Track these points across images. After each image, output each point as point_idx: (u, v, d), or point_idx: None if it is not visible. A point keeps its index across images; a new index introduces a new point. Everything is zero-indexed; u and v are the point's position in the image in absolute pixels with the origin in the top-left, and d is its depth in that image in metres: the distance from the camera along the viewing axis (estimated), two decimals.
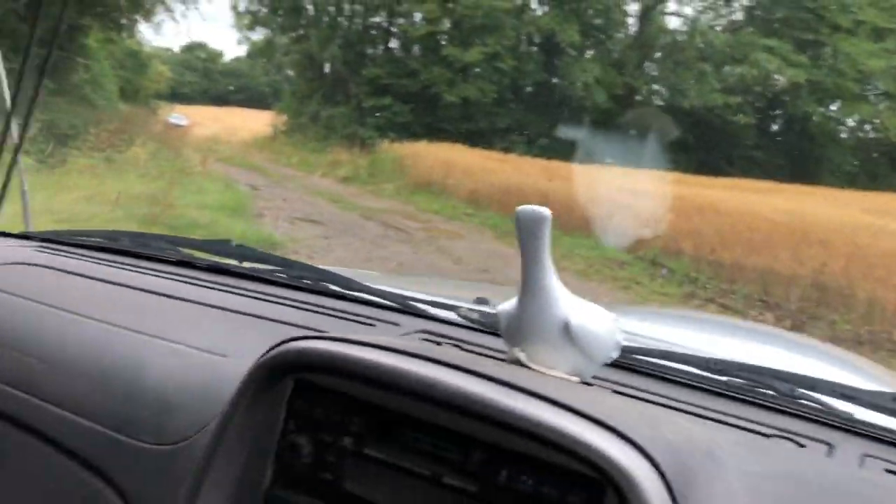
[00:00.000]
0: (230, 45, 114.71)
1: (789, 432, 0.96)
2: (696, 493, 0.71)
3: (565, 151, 30.09)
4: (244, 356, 0.92)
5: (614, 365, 1.03)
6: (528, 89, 29.84)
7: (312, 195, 15.55)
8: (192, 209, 9.72)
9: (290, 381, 0.84)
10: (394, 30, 29.07)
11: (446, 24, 28.12)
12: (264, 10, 30.34)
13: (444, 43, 28.44)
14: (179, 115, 64.15)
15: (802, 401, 1.03)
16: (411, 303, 1.32)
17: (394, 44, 29.90)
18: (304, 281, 1.43)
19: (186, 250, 1.56)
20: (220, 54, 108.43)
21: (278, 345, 0.83)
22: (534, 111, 29.74)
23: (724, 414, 0.99)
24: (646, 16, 31.03)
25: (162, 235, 1.69)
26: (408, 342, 0.94)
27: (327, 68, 29.62)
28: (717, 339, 1.97)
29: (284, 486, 0.84)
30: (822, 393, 1.04)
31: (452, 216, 14.36)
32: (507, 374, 0.76)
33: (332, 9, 29.55)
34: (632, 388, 1.05)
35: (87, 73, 24.86)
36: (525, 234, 0.83)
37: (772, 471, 0.83)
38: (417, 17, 29.03)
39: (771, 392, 1.05)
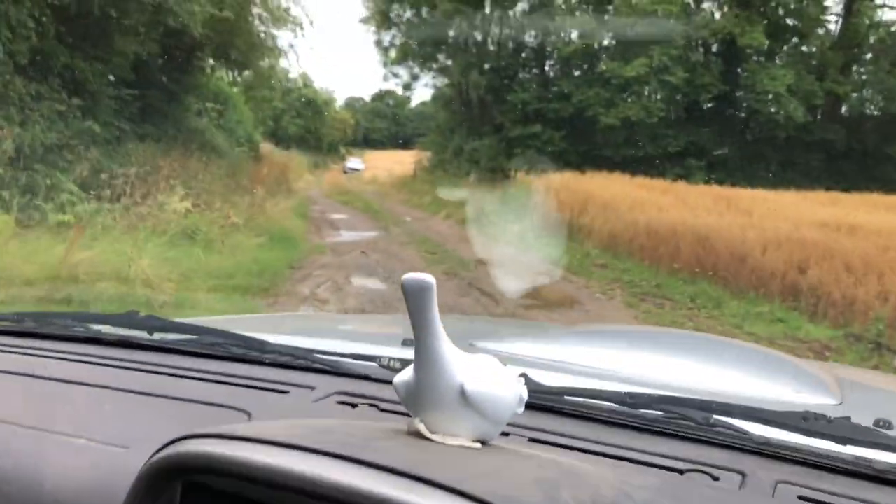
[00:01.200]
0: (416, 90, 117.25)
1: (705, 464, 0.97)
2: None
3: (753, 176, 25.11)
4: (144, 447, 0.85)
5: (533, 408, 1.03)
6: (705, 105, 25.17)
7: (407, 244, 12.41)
8: (165, 281, 6.78)
9: (178, 484, 0.80)
10: (548, 49, 25.57)
11: (603, 36, 24.30)
12: (410, 41, 27.97)
13: (601, 58, 24.65)
14: (356, 160, 64.30)
15: (718, 428, 1.04)
16: (330, 358, 1.32)
17: (543, 65, 26.43)
18: (217, 348, 1.40)
19: (94, 326, 1.52)
20: (407, 100, 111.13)
21: (163, 448, 0.80)
22: (713, 130, 25.05)
23: (641, 452, 1.00)
24: (850, 9, 25.39)
25: (67, 313, 1.64)
26: (296, 428, 0.85)
27: (473, 97, 26.69)
28: (645, 355, 1.74)
29: None
30: (737, 418, 1.05)
31: (578, 269, 10.58)
32: (397, 457, 0.74)
33: (477, 33, 26.63)
34: (549, 432, 1.06)
35: (213, 117, 23.54)
36: (413, 302, 0.80)
37: None
38: (573, 34, 25.47)
39: (688, 422, 1.05)
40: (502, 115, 24.87)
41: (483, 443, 0.87)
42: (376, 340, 1.35)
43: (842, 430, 1.00)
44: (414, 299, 0.80)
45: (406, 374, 0.87)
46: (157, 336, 1.44)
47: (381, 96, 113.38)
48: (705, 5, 25.25)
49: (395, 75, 29.44)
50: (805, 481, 0.94)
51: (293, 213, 14.75)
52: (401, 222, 15.87)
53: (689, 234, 9.92)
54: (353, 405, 1.15)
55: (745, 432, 1.03)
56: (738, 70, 25.11)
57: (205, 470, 0.76)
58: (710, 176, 23.10)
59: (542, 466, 0.86)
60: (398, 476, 0.70)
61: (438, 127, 28.49)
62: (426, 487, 0.68)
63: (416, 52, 27.40)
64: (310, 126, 61.38)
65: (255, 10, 17.95)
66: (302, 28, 17.85)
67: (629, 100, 23.77)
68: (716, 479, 0.94)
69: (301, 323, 2.76)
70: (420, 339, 0.82)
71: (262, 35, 18.51)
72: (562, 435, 1.04)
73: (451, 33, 26.90)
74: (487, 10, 25.92)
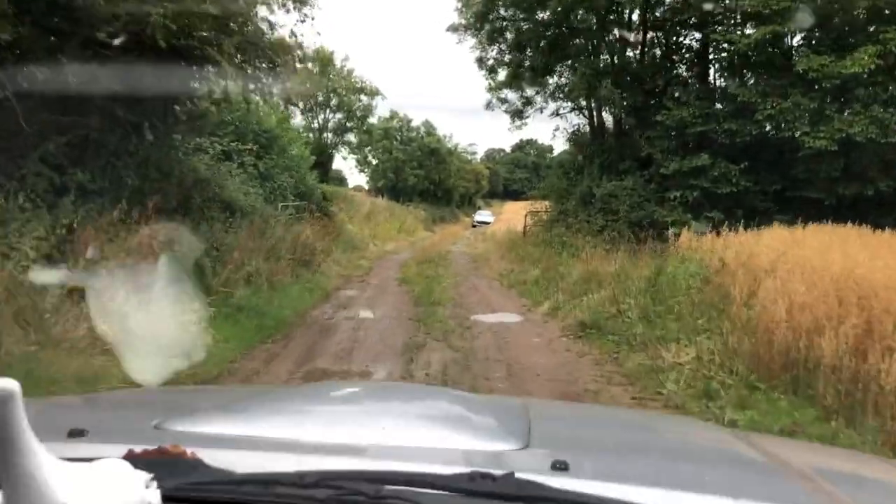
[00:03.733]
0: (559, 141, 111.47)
1: None
2: None
3: None
4: None
5: (189, 500, 0.97)
6: None
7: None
8: None
9: None
10: (714, 43, 17.28)
11: (803, 19, 15.82)
12: (520, 55, 20.58)
13: (798, 52, 16.22)
14: (486, 212, 57.32)
15: (389, 500, 1.01)
16: None
17: (706, 70, 18.10)
18: None
19: None
20: (549, 149, 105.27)
21: None
22: None
23: None
24: None
25: None
26: None
27: (607, 122, 18.87)
28: (346, 416, 1.65)
29: None
30: (407, 485, 1.03)
31: None
32: None
33: (609, 34, 18.88)
34: None
35: (245, 163, 17.08)
36: None
37: None
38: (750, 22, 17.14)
39: (359, 497, 1.02)
40: (649, 143, 16.88)
41: None
42: None
43: (507, 488, 1.00)
44: None
45: None
46: None
47: (521, 146, 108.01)
48: None
49: (503, 101, 22.03)
50: None
51: (240, 323, 7.57)
52: (459, 331, 8.28)
53: None
54: None
55: (416, 501, 0.99)
56: None
57: None
58: None
59: None
60: None
61: (559, 166, 20.69)
62: None
63: (528, 67, 19.90)
64: (433, 177, 55.31)
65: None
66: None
67: (848, 111, 15.13)
68: None
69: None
70: (6, 457, 0.71)
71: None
72: None
73: (577, 41, 19.34)
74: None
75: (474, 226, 51.91)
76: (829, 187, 15.29)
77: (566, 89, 19.63)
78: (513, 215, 43.04)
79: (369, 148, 50.23)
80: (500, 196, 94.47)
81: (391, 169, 52.22)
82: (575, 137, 21.01)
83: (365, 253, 19.35)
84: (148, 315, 6.94)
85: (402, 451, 1.23)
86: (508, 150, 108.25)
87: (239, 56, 10.96)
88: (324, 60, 28.18)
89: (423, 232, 39.15)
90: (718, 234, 10.70)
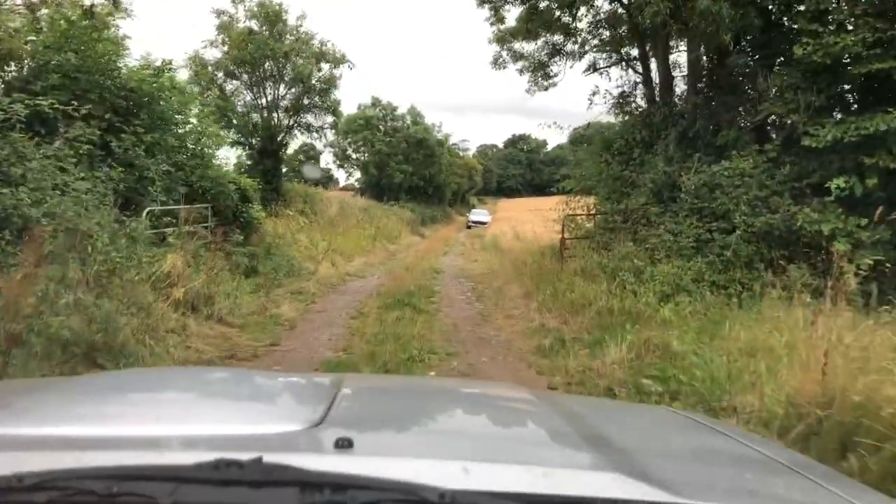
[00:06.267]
0: (553, 134, 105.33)
1: None
2: None
3: None
4: None
5: None
6: None
7: None
8: None
9: None
10: None
11: None
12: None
13: None
14: (482, 211, 49.53)
15: (121, 497, 0.92)
16: None
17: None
18: None
19: None
20: (543, 144, 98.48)
21: None
22: None
23: None
24: None
25: None
26: None
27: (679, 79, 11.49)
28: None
29: None
30: (147, 478, 0.95)
31: None
32: None
33: None
34: None
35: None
36: None
37: None
38: None
39: (90, 496, 0.94)
40: (778, 97, 9.51)
41: None
42: None
43: (253, 474, 0.92)
44: None
45: None
46: None
47: (514, 142, 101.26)
48: None
49: (517, 56, 14.56)
50: None
51: None
52: None
53: None
54: None
55: (152, 496, 0.89)
56: None
57: None
58: None
59: None
60: None
61: (604, 144, 13.08)
62: None
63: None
64: (422, 172, 47.55)
65: None
66: None
67: None
68: None
69: None
70: None
71: None
72: None
73: None
74: None
75: (469, 226, 45.10)
76: None
77: (621, 21, 12.19)
78: (512, 214, 36.03)
79: (346, 138, 42.60)
80: (493, 193, 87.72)
81: (374, 164, 44.66)
82: (622, 102, 13.55)
83: (305, 283, 11.93)
84: None
85: (165, 441, 1.10)
86: (501, 145, 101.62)
87: None
88: (271, 16, 20.88)
89: (409, 237, 31.70)
90: None
